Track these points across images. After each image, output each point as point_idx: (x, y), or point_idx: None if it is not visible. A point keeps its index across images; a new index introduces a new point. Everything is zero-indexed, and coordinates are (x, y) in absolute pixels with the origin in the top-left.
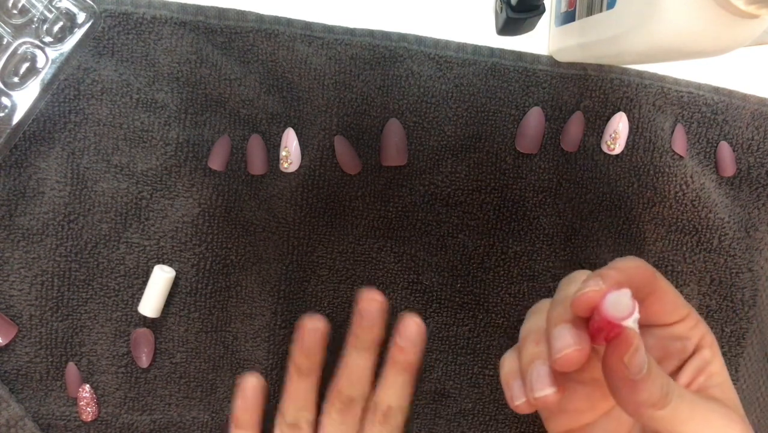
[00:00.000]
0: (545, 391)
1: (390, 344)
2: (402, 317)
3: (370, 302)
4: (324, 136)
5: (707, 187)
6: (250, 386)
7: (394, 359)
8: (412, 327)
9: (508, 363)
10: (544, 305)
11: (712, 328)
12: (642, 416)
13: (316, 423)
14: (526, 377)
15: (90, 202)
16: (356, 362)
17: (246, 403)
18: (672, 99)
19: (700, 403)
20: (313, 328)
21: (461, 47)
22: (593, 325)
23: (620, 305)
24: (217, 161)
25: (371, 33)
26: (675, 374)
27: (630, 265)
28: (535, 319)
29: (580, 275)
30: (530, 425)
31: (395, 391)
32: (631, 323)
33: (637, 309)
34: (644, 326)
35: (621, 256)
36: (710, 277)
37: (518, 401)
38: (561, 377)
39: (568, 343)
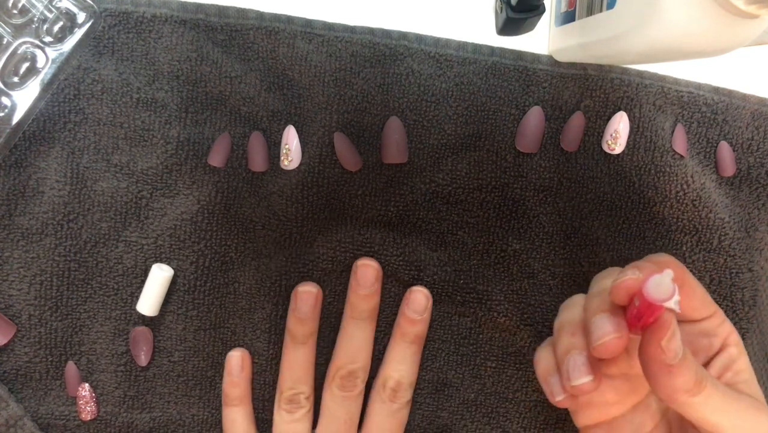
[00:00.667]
0: (583, 379)
1: (397, 316)
2: (409, 290)
3: (366, 268)
4: (324, 134)
5: (707, 187)
6: (235, 361)
7: (403, 330)
8: (420, 298)
9: (544, 360)
10: (577, 299)
11: None
12: (676, 402)
13: (315, 399)
14: (562, 368)
15: (89, 202)
16: (354, 334)
17: (232, 378)
18: (672, 99)
19: (732, 394)
20: (306, 291)
21: (461, 46)
22: (631, 313)
23: (662, 286)
24: (217, 158)
25: (371, 31)
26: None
27: (663, 259)
28: (569, 312)
29: (614, 271)
30: (532, 418)
31: (404, 366)
32: (673, 304)
33: (677, 291)
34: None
35: (621, 256)
36: (710, 277)
37: (559, 396)
38: (597, 367)
39: (608, 330)
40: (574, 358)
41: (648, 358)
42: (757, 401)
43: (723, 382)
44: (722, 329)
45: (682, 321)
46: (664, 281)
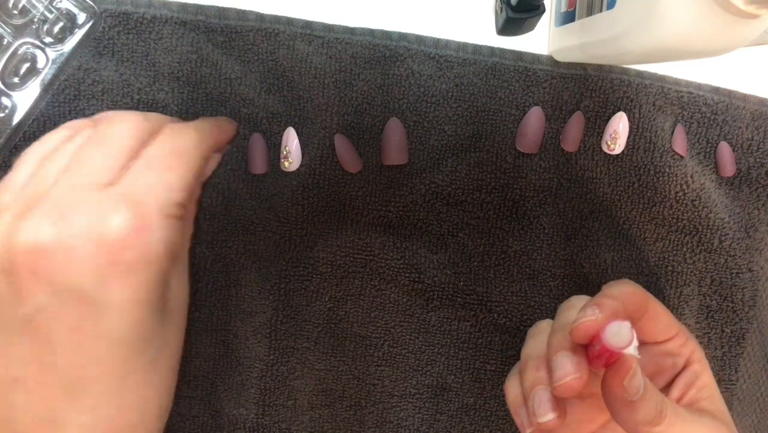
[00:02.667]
0: (548, 416)
1: None
2: None
3: None
4: (324, 135)
5: (707, 188)
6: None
7: None
8: None
9: (512, 390)
10: (542, 326)
11: (712, 328)
12: None
13: None
14: (528, 403)
15: None
16: None
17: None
18: (672, 99)
19: (692, 418)
20: None
21: (461, 47)
22: (592, 352)
23: (620, 335)
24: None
25: (371, 32)
26: (667, 387)
27: (624, 290)
28: (534, 343)
29: (578, 300)
30: None
31: None
32: (632, 350)
33: (635, 337)
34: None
35: (621, 256)
36: (710, 277)
37: (528, 430)
38: (562, 402)
39: (568, 371)
40: (539, 394)
41: (610, 395)
42: (717, 421)
43: (687, 399)
44: (686, 347)
45: (646, 343)
46: (621, 331)
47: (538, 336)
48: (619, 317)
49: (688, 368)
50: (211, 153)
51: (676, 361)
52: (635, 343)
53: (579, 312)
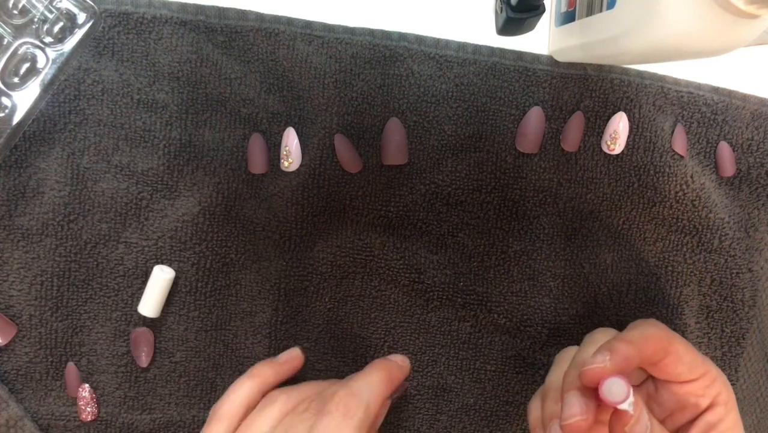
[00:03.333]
0: None
1: None
2: None
3: None
4: (324, 135)
5: (707, 188)
6: (288, 354)
7: None
8: None
9: (534, 412)
10: (569, 354)
11: (712, 328)
12: None
13: None
14: (546, 431)
15: (90, 203)
16: None
17: (272, 360)
18: (672, 99)
19: None
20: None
21: (461, 47)
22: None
23: (613, 393)
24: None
25: (371, 32)
26: (688, 426)
27: (646, 333)
28: (558, 371)
29: (602, 335)
30: None
31: None
32: (627, 406)
33: (631, 393)
34: (662, 381)
35: (621, 256)
36: (710, 277)
37: None
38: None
39: (575, 412)
40: (556, 427)
41: None
42: None
43: None
44: (711, 389)
45: (670, 382)
46: (616, 389)
47: (563, 364)
48: (630, 365)
49: (711, 409)
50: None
51: (699, 402)
52: (631, 399)
53: (592, 355)
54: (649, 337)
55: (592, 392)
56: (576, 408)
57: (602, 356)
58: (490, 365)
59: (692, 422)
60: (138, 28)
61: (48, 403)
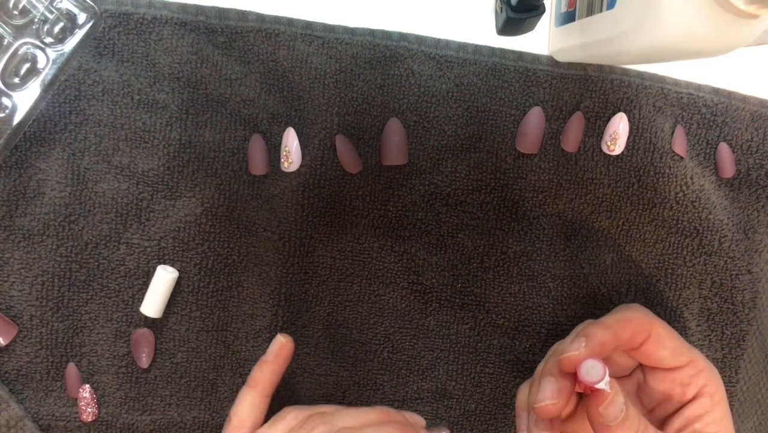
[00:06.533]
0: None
1: None
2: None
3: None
4: (325, 136)
5: (707, 189)
6: (275, 346)
7: None
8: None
9: (522, 395)
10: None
11: (712, 331)
12: None
13: None
14: (530, 415)
15: (90, 203)
16: None
17: (262, 360)
18: (672, 100)
19: None
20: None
21: (461, 47)
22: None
23: (590, 374)
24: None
25: (372, 32)
26: (672, 415)
27: (625, 317)
28: (551, 362)
29: (593, 327)
30: None
31: None
32: (603, 385)
33: (607, 374)
34: (649, 368)
35: (621, 257)
36: (710, 279)
37: None
38: (556, 420)
39: (546, 397)
40: (533, 414)
41: (591, 419)
42: None
43: (688, 432)
44: (697, 379)
45: (653, 367)
46: (593, 370)
47: (555, 356)
48: (606, 349)
49: (697, 399)
50: None
51: (685, 391)
52: (607, 379)
53: (570, 342)
54: (627, 320)
55: (570, 377)
56: (548, 393)
57: (578, 343)
58: (489, 368)
59: (677, 411)
60: (138, 28)
61: (48, 403)
